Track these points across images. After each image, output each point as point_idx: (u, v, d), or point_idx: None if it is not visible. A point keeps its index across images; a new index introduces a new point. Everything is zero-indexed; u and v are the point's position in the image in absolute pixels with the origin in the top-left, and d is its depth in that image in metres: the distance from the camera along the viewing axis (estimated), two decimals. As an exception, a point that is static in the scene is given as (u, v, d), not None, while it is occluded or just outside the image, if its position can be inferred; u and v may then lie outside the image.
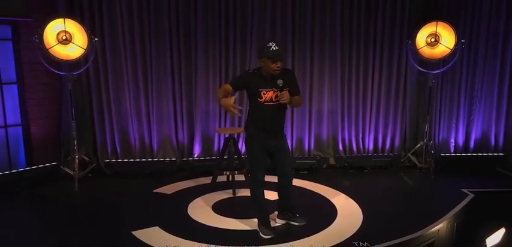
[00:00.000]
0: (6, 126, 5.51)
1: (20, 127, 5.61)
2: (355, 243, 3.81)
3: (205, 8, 5.79)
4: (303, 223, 4.19)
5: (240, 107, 3.80)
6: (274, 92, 3.75)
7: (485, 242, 3.90)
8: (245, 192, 5.02)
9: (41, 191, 5.24)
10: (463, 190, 5.10)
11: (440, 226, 4.12)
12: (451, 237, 4.26)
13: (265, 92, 3.74)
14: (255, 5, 5.85)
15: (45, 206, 4.86)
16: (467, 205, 4.70)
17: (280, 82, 3.70)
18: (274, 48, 3.66)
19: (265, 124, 3.83)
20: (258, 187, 3.99)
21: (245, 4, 5.84)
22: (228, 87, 3.83)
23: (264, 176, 4.00)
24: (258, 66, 3.85)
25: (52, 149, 5.77)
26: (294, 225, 4.20)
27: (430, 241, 3.97)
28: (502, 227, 3.94)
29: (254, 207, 4.10)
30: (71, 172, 5.42)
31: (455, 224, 4.34)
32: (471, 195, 4.94)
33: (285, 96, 3.71)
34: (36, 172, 5.45)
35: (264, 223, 4.01)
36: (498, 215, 4.25)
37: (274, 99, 3.76)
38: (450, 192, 5.11)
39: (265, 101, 3.76)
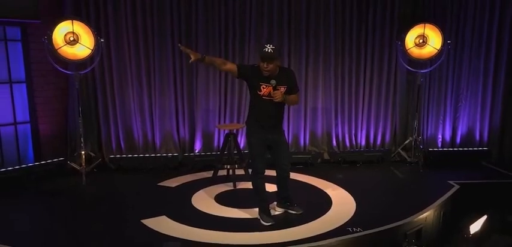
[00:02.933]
0: (15, 123, 5.72)
1: (28, 125, 5.82)
2: (350, 228, 4.07)
3: (206, 10, 6.05)
4: (301, 212, 4.48)
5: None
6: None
7: (468, 228, 4.22)
8: (245, 185, 5.31)
9: (50, 185, 5.45)
10: (449, 182, 5.38)
11: (427, 214, 4.41)
12: (437, 224, 4.58)
13: (264, 86, 4.03)
14: (253, 7, 6.13)
15: (55, 199, 5.08)
16: (453, 195, 4.99)
17: (273, 82, 3.99)
18: (266, 50, 3.92)
19: (264, 117, 4.11)
20: (258, 178, 4.26)
21: (243, 6, 6.12)
22: (234, 66, 4.09)
23: (265, 168, 4.27)
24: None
25: (59, 145, 5.99)
26: (292, 213, 4.48)
27: (418, 227, 4.26)
28: (484, 215, 4.26)
29: (255, 196, 4.38)
30: (78, 167, 5.65)
31: (442, 212, 4.65)
32: (457, 187, 5.22)
33: (278, 95, 3.99)
34: (44, 168, 5.67)
35: (265, 211, 4.29)
36: (481, 204, 4.56)
37: (271, 95, 4.05)
38: (437, 184, 5.38)
39: (263, 95, 4.04)
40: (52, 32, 5.23)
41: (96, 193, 5.34)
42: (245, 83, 5.92)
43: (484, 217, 4.22)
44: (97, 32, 5.54)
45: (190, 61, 3.94)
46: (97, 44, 5.44)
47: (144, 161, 6.12)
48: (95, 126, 6.20)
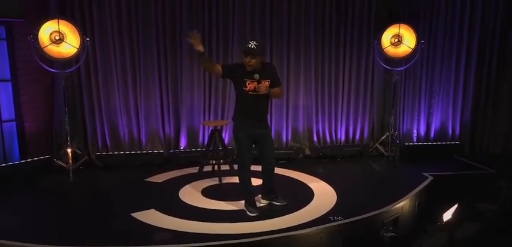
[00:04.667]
0: (1, 121, 5.74)
1: (14, 123, 5.85)
2: (331, 217, 4.29)
3: (190, 10, 6.18)
4: (285, 203, 4.67)
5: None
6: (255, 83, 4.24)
7: (441, 216, 4.49)
8: (230, 180, 5.49)
9: (37, 182, 5.47)
10: (424, 174, 5.65)
11: (404, 203, 4.64)
12: (413, 213, 4.82)
13: (249, 82, 4.22)
14: (236, 8, 6.29)
15: (43, 196, 5.13)
16: (427, 186, 5.26)
17: (256, 76, 4.20)
18: (249, 46, 4.16)
19: (250, 112, 4.30)
20: (245, 171, 4.45)
21: (226, 7, 6.27)
22: (219, 67, 4.31)
23: (251, 162, 4.46)
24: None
25: (44, 143, 6.01)
26: (276, 204, 4.68)
27: (395, 216, 4.49)
28: (455, 204, 4.53)
29: (241, 189, 4.56)
30: (64, 165, 5.71)
31: (417, 202, 4.89)
32: (431, 178, 5.49)
33: (263, 87, 4.22)
34: (30, 165, 5.70)
35: (251, 203, 4.48)
36: (453, 194, 4.84)
37: (256, 89, 4.24)
38: (412, 176, 5.63)
39: (249, 90, 4.23)
40: (38, 31, 5.26)
41: (84, 189, 5.42)
42: (229, 80, 6.14)
43: (456, 206, 4.48)
44: (82, 31, 5.59)
45: (196, 48, 3.98)
46: (83, 42, 5.49)
47: (130, 158, 6.21)
48: (80, 124, 6.23)
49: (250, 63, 4.16)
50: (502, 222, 4.89)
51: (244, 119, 4.34)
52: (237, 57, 6.22)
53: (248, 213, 4.43)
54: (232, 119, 4.52)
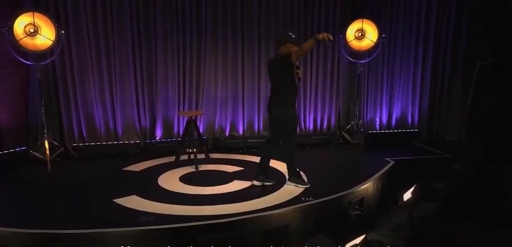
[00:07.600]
0: (-25, 114, 5.72)
1: (-12, 116, 5.83)
2: (303, 198, 4.59)
3: (164, 3, 6.33)
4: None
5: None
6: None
7: (402, 196, 4.91)
8: (206, 167, 5.75)
9: (15, 174, 5.49)
10: (386, 159, 6.03)
11: (368, 185, 5.01)
12: (376, 193, 5.22)
13: (296, 68, 4.70)
14: (208, 3, 6.50)
15: (23, 187, 5.12)
16: (389, 169, 5.66)
17: (297, 63, 4.70)
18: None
19: (296, 96, 4.82)
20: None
21: (200, 2, 6.47)
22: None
23: None
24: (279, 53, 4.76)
25: (20, 135, 6.03)
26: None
27: (360, 196, 4.87)
28: (414, 185, 4.96)
29: (290, 167, 5.03)
30: (41, 156, 5.75)
31: (380, 184, 5.29)
32: (392, 162, 5.89)
33: (301, 71, 4.80)
34: (7, 157, 5.67)
35: (299, 175, 5.01)
36: (412, 177, 5.27)
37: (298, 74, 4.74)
38: (376, 161, 5.98)
39: (298, 76, 4.70)
40: (13, 23, 5.27)
41: (64, 179, 5.47)
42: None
43: (414, 187, 4.92)
44: (57, 23, 5.61)
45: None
46: (58, 35, 5.53)
47: (107, 148, 6.31)
48: (56, 115, 6.27)
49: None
50: (455, 200, 5.41)
51: (294, 104, 4.78)
52: (211, 51, 6.55)
53: (299, 186, 4.89)
54: (278, 106, 4.75)
